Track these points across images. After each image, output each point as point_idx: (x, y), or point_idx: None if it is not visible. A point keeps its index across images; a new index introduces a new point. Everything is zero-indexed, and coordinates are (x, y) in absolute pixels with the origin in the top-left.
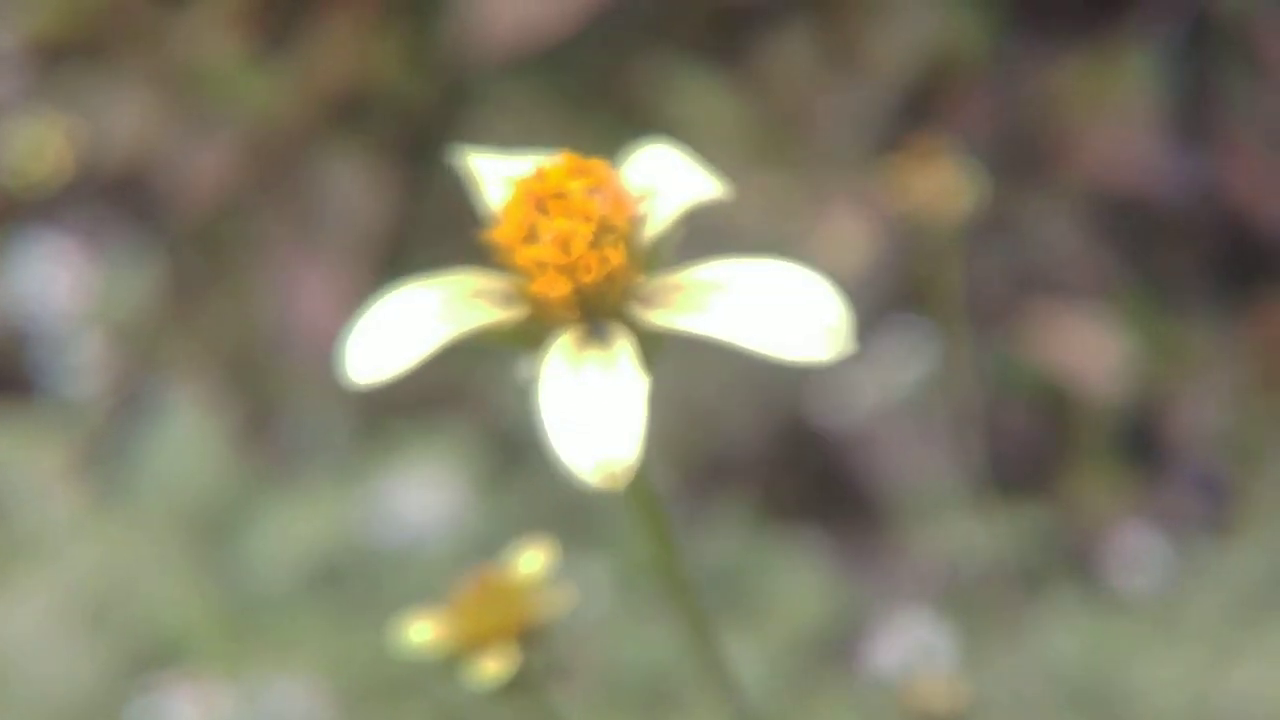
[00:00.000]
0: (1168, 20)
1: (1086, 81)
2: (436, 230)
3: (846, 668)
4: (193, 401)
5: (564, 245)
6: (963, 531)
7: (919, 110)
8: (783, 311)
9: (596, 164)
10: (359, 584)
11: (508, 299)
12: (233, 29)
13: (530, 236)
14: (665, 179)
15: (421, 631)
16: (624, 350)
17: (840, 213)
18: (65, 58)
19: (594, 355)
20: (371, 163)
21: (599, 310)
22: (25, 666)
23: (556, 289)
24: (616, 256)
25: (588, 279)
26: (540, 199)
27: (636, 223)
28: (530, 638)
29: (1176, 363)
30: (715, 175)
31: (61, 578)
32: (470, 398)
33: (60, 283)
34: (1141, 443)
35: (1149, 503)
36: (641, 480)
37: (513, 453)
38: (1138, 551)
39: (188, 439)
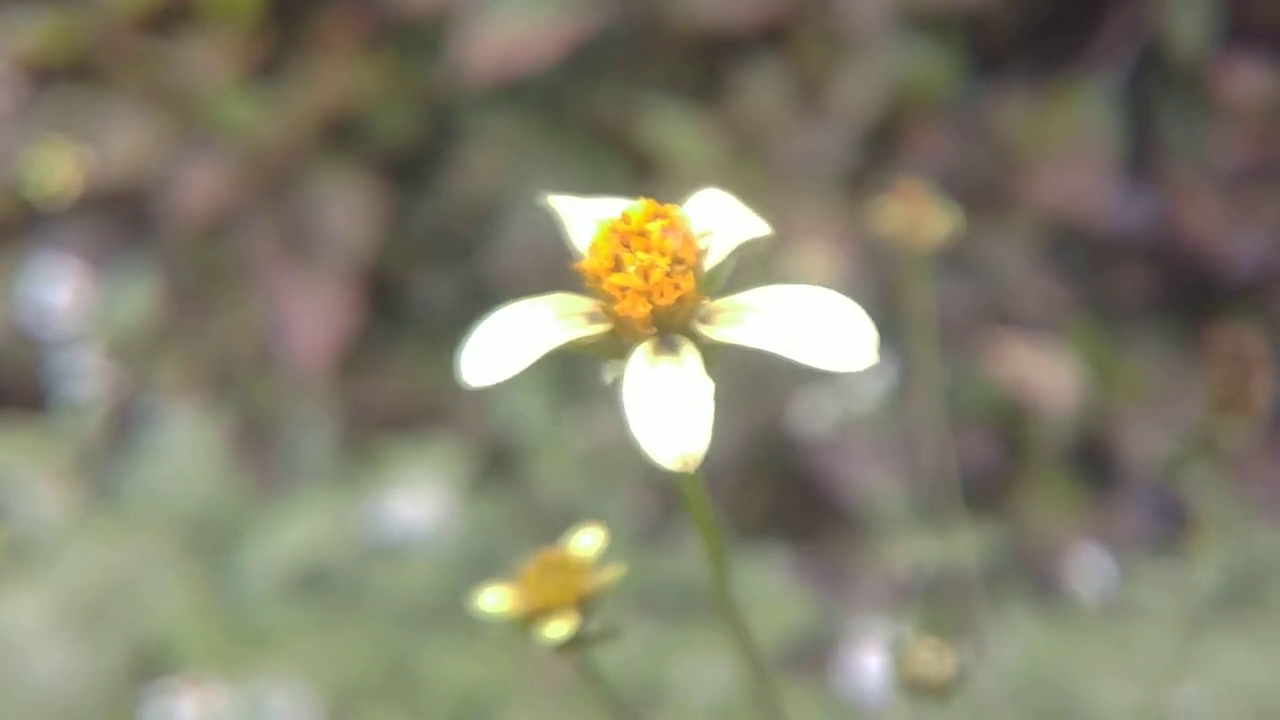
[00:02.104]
0: (1115, 62)
1: (1040, 120)
2: (422, 252)
3: (817, 676)
4: (189, 413)
5: (645, 274)
6: (924, 545)
7: (882, 146)
8: (820, 327)
9: (670, 208)
10: (350, 590)
11: (593, 317)
12: (225, 56)
13: (616, 267)
14: (721, 220)
15: (493, 600)
16: (691, 359)
17: (808, 242)
18: (57, 80)
19: (666, 362)
20: (360, 186)
21: (669, 327)
22: (24, 668)
23: (638, 309)
24: (686, 284)
25: (662, 302)
26: (625, 236)
27: (701, 256)
28: (586, 605)
29: (1127, 387)
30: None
31: (61, 583)
32: (456, 412)
33: (62, 297)
34: (1094, 463)
35: (1101, 520)
36: (697, 482)
37: (497, 464)
38: (1090, 566)
39: (184, 449)
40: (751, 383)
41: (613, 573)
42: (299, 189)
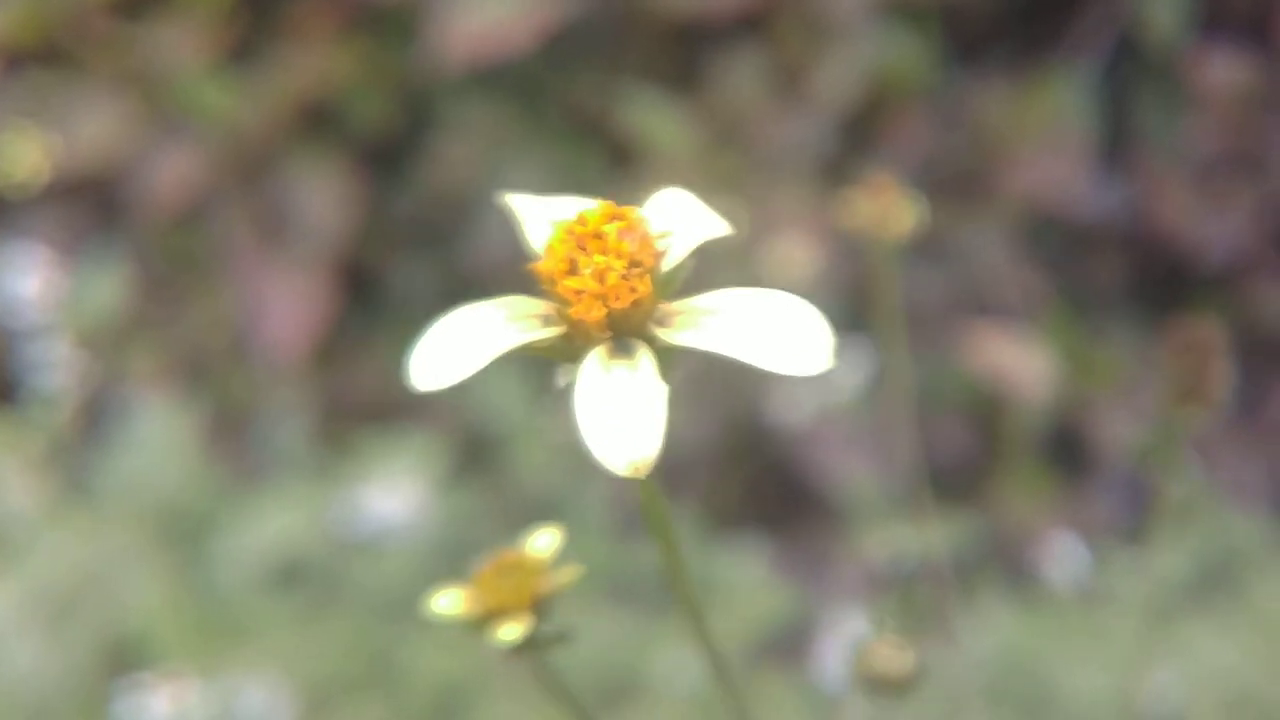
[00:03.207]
0: (1091, 51)
1: (1017, 109)
2: (399, 241)
3: (794, 665)
4: (162, 404)
5: (600, 277)
6: (900, 535)
7: (860, 135)
8: (775, 331)
9: (628, 210)
10: (325, 583)
11: (547, 320)
12: (198, 40)
13: (571, 270)
14: (680, 219)
15: (447, 602)
16: (646, 363)
17: (786, 232)
18: (26, 64)
19: (620, 366)
20: (336, 173)
21: (625, 330)
22: None
23: (592, 313)
24: (643, 287)
25: (617, 305)
26: (581, 238)
27: (658, 258)
28: (540, 607)
29: (1101, 376)
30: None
31: (32, 576)
32: (431, 403)
33: (32, 287)
34: (1068, 451)
35: (1075, 508)
36: (650, 486)
37: (472, 457)
38: (1064, 554)
39: (157, 441)
40: (727, 373)
41: (569, 574)
42: (274, 176)
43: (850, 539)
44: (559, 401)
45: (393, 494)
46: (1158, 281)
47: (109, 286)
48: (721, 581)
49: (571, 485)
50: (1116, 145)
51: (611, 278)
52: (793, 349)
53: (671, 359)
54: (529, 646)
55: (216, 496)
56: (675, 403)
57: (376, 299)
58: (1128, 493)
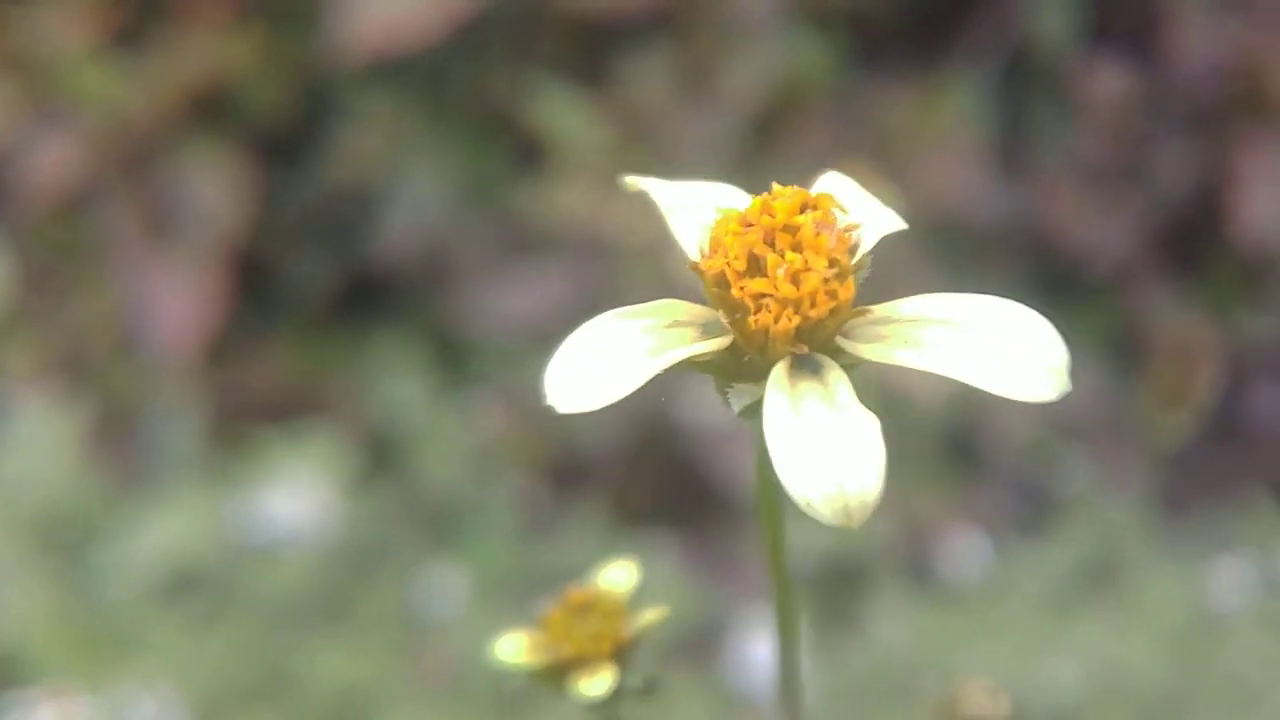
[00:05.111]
0: (987, 59)
1: (917, 113)
2: (298, 235)
3: (703, 664)
4: (42, 403)
5: (796, 280)
6: (800, 529)
7: (767, 135)
8: (1006, 350)
9: (822, 197)
10: (219, 591)
11: (705, 329)
12: (82, 23)
13: (754, 270)
14: (856, 211)
15: (511, 648)
16: (842, 384)
17: None
18: None
19: (811, 389)
20: (230, 164)
21: (811, 343)
22: None
23: (782, 323)
24: (845, 292)
25: (815, 314)
26: (768, 231)
27: (854, 257)
28: (623, 655)
29: None
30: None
31: None
32: (333, 402)
33: None
34: (965, 447)
35: (971, 504)
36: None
37: (378, 457)
38: (964, 549)
39: (37, 441)
40: None
41: (653, 615)
42: (163, 166)
43: (759, 538)
44: (480, 389)
45: (295, 497)
46: (1052, 284)
47: None
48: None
49: (478, 487)
50: (1012, 150)
51: (811, 280)
52: (1026, 370)
53: (855, 377)
54: (613, 700)
55: (103, 501)
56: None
57: (272, 294)
58: (1021, 489)
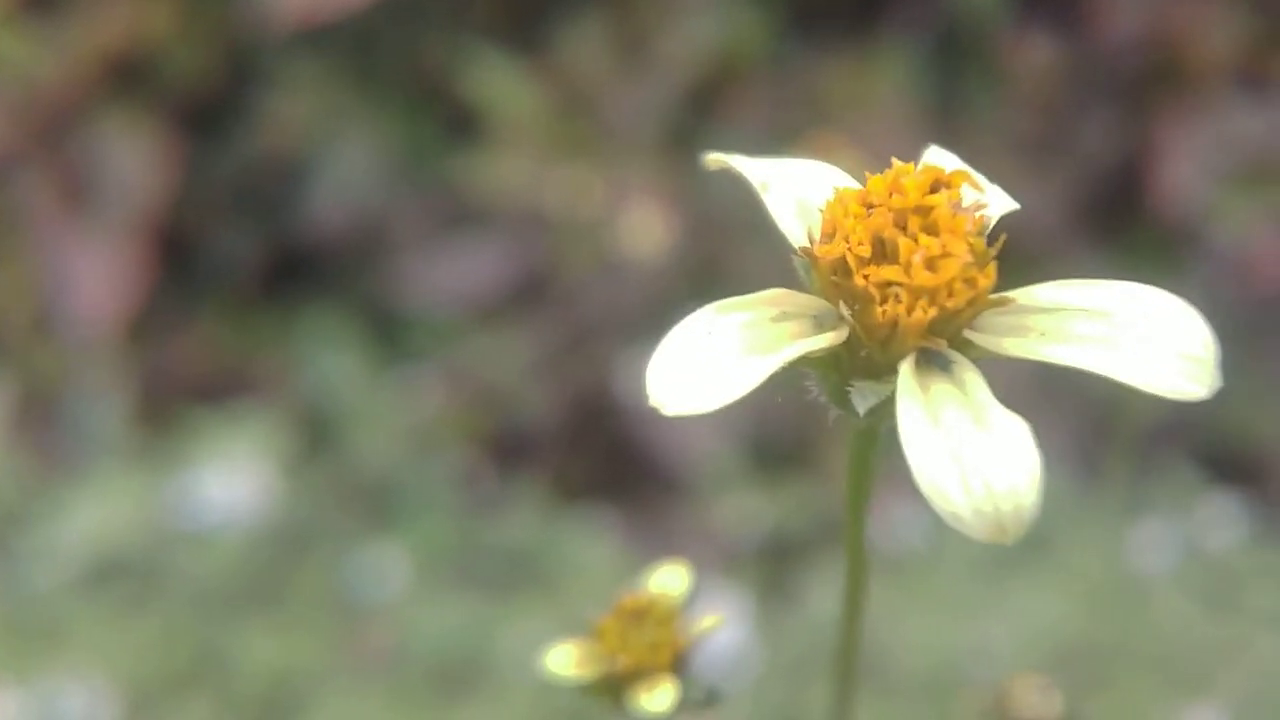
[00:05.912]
0: (917, 30)
1: (852, 82)
2: (223, 207)
3: None
4: None
5: (932, 266)
6: (746, 506)
7: (705, 105)
8: (1156, 345)
9: (957, 174)
10: (149, 577)
11: (819, 321)
12: None
13: (882, 255)
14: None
15: (562, 659)
16: (980, 387)
17: (637, 201)
18: None
19: (946, 393)
20: (150, 133)
21: (942, 336)
22: None
23: (917, 314)
24: (985, 280)
25: (952, 304)
26: (899, 213)
27: (987, 241)
28: (681, 665)
29: None
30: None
31: None
32: (264, 379)
33: None
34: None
35: (908, 476)
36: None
37: (311, 434)
38: (903, 520)
39: None
40: (573, 344)
41: (710, 622)
42: (80, 135)
43: (699, 513)
44: (417, 364)
45: (228, 479)
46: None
47: None
48: (572, 556)
49: (417, 464)
50: (944, 120)
51: (950, 267)
52: (1178, 365)
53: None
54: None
55: (25, 486)
56: (525, 379)
57: (197, 268)
58: None
